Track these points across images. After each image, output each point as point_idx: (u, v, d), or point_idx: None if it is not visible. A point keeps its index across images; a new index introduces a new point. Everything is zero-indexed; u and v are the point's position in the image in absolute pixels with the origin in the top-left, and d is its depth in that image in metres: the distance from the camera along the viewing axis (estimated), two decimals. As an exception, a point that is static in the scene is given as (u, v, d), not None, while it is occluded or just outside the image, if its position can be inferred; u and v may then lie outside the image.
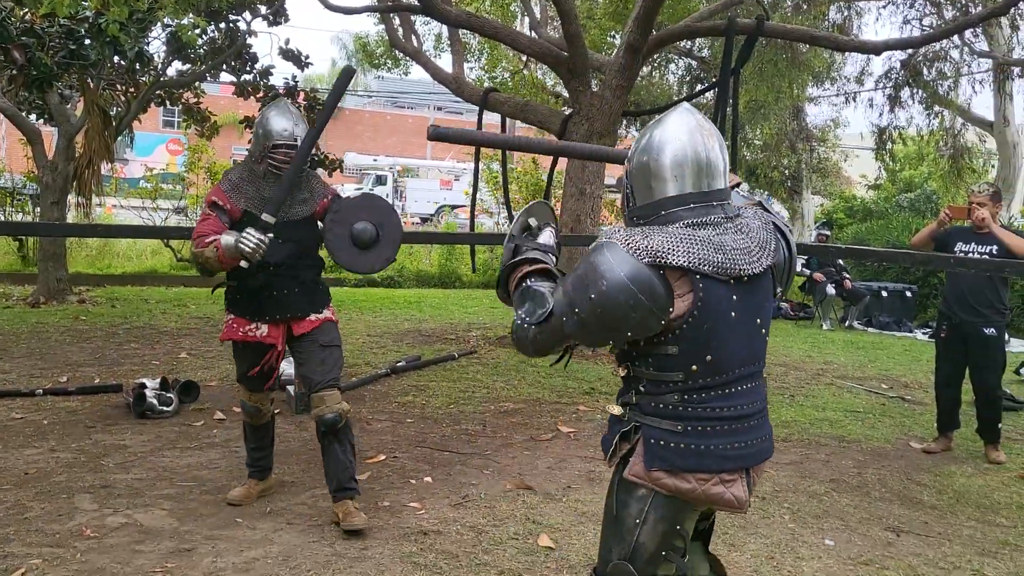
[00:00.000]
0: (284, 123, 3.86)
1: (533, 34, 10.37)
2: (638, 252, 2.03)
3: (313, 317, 3.94)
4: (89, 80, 9.31)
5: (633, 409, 2.19)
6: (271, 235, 3.65)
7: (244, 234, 3.59)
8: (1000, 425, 5.65)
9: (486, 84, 13.78)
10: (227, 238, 3.62)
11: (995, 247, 5.41)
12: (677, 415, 2.12)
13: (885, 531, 4.18)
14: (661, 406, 2.14)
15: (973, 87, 15.12)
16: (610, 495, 2.24)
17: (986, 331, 5.50)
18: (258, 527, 3.82)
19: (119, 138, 10.70)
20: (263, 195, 3.80)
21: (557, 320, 2.13)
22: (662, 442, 2.13)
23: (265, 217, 3.68)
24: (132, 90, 10.47)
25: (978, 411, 5.70)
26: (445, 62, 11.43)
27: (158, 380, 5.75)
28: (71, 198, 10.61)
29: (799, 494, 4.66)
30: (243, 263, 3.61)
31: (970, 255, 5.48)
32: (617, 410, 2.23)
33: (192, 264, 3.67)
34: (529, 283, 2.26)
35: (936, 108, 15.09)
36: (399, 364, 7.22)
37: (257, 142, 3.87)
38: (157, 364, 6.99)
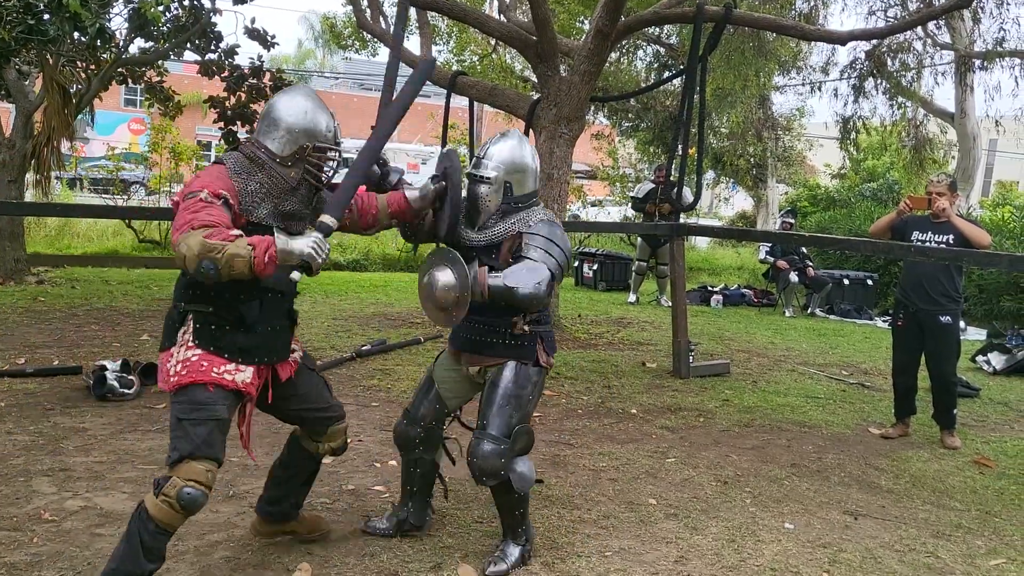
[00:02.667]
0: (327, 119, 3.08)
1: (502, 18, 10.33)
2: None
3: (294, 357, 3.27)
4: (48, 56, 9.12)
5: (533, 324, 3.39)
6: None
7: (314, 238, 2.79)
8: (956, 411, 5.76)
9: (454, 67, 13.71)
10: (285, 239, 2.77)
11: (951, 236, 5.51)
12: (548, 320, 3.52)
13: (843, 514, 4.25)
14: (541, 319, 3.43)
15: (935, 79, 15.39)
16: (513, 382, 3.35)
17: (942, 319, 5.60)
18: (220, 510, 3.79)
19: (79, 116, 10.50)
20: (281, 208, 3.01)
21: (555, 276, 3.28)
22: (551, 339, 3.50)
23: (327, 219, 2.91)
24: (93, 67, 10.26)
25: (934, 397, 5.81)
26: (413, 44, 11.38)
27: (119, 362, 5.68)
28: (28, 176, 10.40)
29: (760, 478, 4.72)
30: (295, 275, 2.81)
31: (927, 244, 5.58)
32: (527, 328, 3.36)
33: (185, 258, 2.64)
34: (521, 266, 3.26)
35: (899, 99, 15.31)
36: (364, 348, 7.19)
37: (289, 140, 2.98)
38: (118, 346, 6.89)
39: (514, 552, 3.39)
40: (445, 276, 3.20)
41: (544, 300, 3.22)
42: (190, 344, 2.90)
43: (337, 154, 3.10)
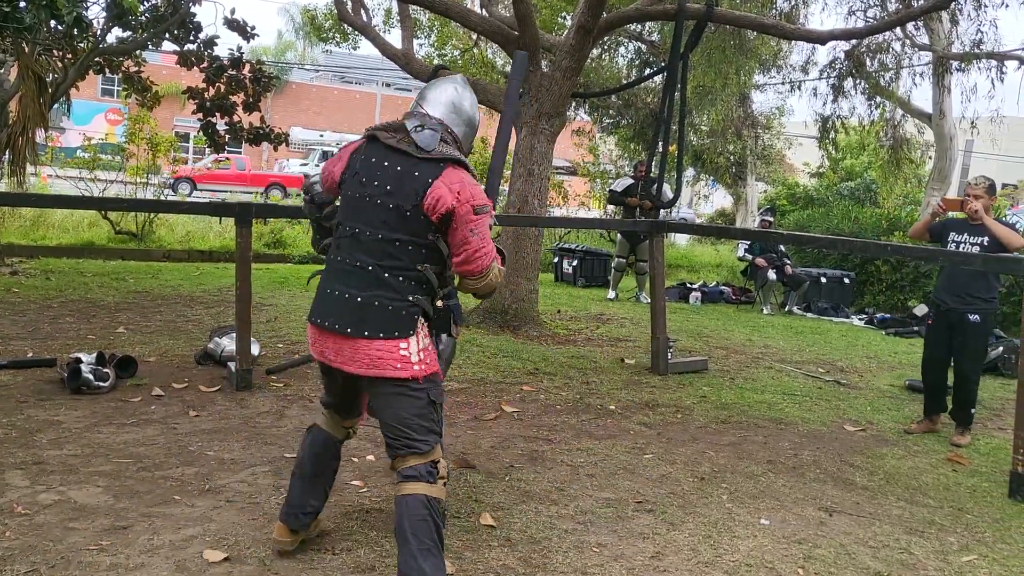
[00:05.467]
0: None
1: (484, 12, 10.30)
2: None
3: None
4: (24, 44, 8.99)
5: (444, 299, 3.23)
6: None
7: None
8: (974, 411, 5.86)
9: (436, 61, 13.67)
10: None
11: (986, 238, 5.60)
12: (455, 295, 3.56)
13: (818, 511, 4.28)
14: (451, 294, 3.40)
15: (913, 79, 15.52)
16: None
17: (970, 317, 5.71)
18: (196, 504, 3.77)
19: (55, 106, 10.37)
20: None
21: None
22: (458, 311, 3.60)
23: None
24: (70, 56, 10.14)
25: (954, 393, 5.93)
26: (394, 38, 11.34)
27: (94, 355, 5.62)
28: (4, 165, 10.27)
29: (737, 475, 4.75)
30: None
31: (963, 246, 5.71)
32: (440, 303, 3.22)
33: (491, 286, 3.10)
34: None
35: (878, 99, 15.42)
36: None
37: (471, 138, 3.20)
38: (93, 338, 6.82)
39: None
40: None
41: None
42: (426, 334, 3.02)
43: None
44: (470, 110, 3.14)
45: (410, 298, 2.95)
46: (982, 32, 13.20)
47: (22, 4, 7.45)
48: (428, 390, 3.00)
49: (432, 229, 2.91)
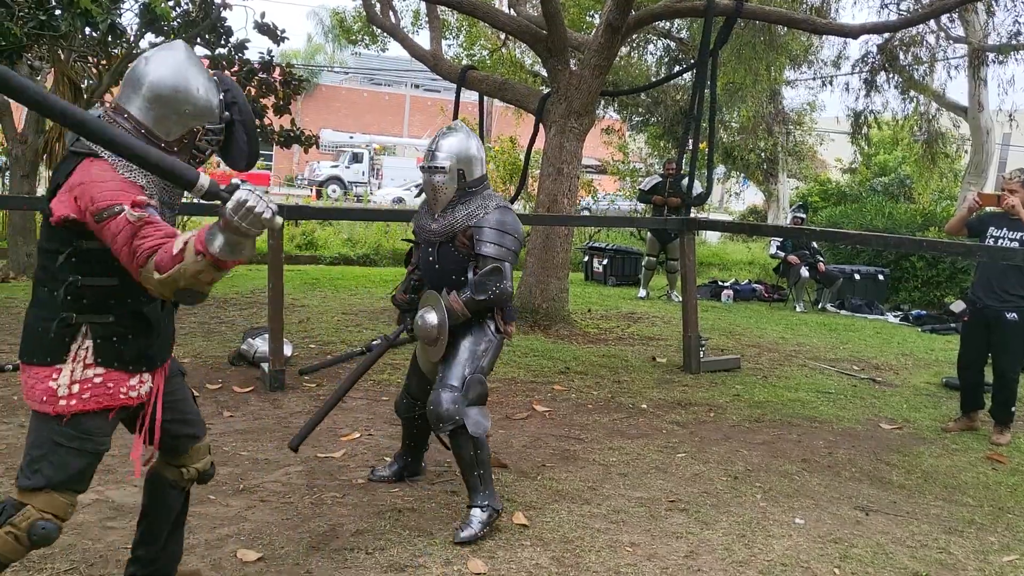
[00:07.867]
0: (215, 91, 2.55)
1: (512, 12, 10.30)
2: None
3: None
4: (60, 52, 9.15)
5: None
6: None
7: (255, 195, 2.19)
8: (1014, 409, 5.77)
9: (464, 62, 13.70)
10: (215, 230, 2.21)
11: None
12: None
13: (854, 510, 4.23)
14: None
15: (948, 72, 15.24)
16: (467, 339, 3.69)
17: (1008, 315, 5.61)
18: (231, 504, 3.80)
19: (90, 111, 10.53)
20: (163, 199, 2.49)
21: (507, 267, 3.68)
22: (508, 309, 3.83)
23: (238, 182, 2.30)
24: (104, 62, 10.29)
25: (993, 392, 5.82)
26: (423, 39, 11.38)
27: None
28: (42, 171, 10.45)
29: (771, 473, 4.71)
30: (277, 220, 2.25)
31: (1002, 240, 5.63)
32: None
33: (169, 290, 2.21)
34: (481, 274, 3.64)
35: (911, 93, 15.20)
36: (374, 342, 7.19)
37: (178, 122, 2.47)
38: (129, 340, 6.91)
39: (477, 516, 3.58)
40: (431, 316, 3.68)
41: (509, 290, 3.68)
42: (90, 362, 2.42)
43: (221, 131, 2.58)
44: (154, 81, 2.43)
45: (63, 315, 2.38)
46: (1019, 23, 12.96)
47: (58, 12, 7.57)
48: (60, 430, 2.41)
49: (78, 234, 2.33)
